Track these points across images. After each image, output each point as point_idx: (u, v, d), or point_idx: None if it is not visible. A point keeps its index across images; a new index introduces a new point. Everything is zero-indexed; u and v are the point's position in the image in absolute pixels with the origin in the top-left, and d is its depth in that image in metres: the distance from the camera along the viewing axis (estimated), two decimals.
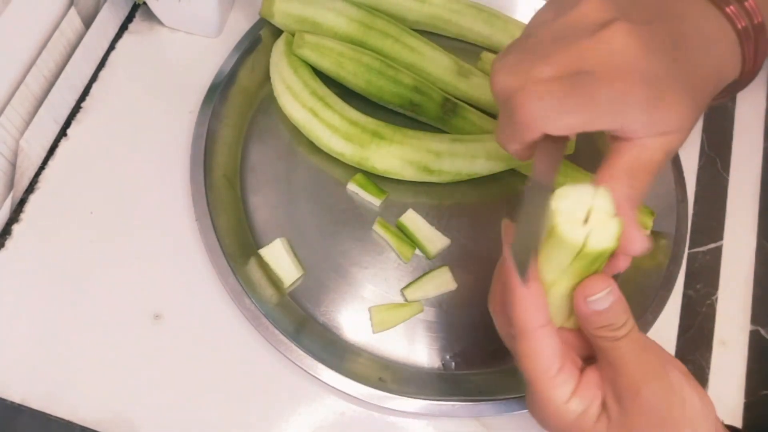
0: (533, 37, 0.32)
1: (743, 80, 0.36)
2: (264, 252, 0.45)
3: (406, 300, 0.45)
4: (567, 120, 0.30)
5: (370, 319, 0.44)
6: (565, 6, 0.32)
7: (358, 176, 0.47)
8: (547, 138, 0.31)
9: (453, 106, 0.48)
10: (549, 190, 0.29)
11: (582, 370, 0.32)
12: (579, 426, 0.31)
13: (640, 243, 0.31)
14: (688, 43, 0.32)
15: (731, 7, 0.34)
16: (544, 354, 0.30)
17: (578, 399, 0.31)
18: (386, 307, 0.44)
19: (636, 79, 0.30)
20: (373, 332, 0.43)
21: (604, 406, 0.31)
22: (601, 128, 0.31)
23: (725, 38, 0.34)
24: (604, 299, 0.30)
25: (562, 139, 0.32)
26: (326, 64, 0.48)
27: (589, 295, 0.30)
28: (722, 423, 0.33)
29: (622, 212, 0.30)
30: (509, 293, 0.31)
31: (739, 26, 0.34)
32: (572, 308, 0.31)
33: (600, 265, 0.30)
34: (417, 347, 0.44)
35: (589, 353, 0.33)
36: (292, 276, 0.44)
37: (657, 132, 0.31)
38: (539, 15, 0.34)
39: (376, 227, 0.46)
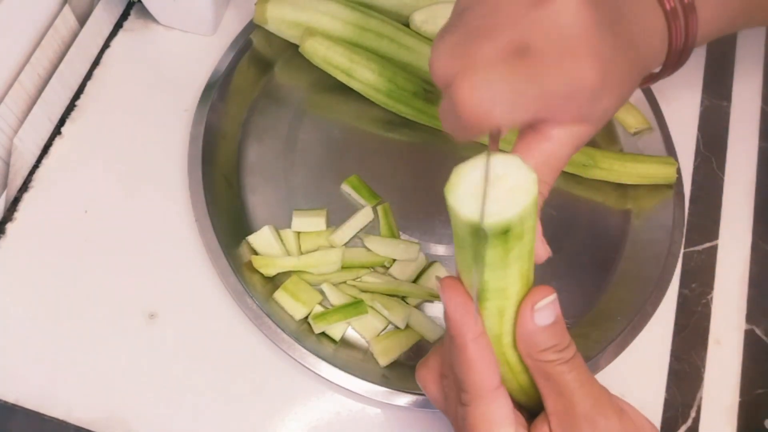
0: (470, 11, 0.28)
1: (669, 65, 0.34)
2: (252, 239, 0.44)
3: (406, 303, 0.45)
4: (518, 115, 0.27)
5: (376, 357, 0.43)
6: None
7: (353, 178, 0.47)
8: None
9: None
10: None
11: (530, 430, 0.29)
12: None
13: (540, 252, 0.28)
14: (624, 20, 0.29)
15: None
16: (497, 420, 0.27)
17: None
18: (385, 336, 0.43)
19: (590, 62, 0.27)
20: (381, 365, 0.42)
21: None
22: (546, 120, 0.28)
23: (653, 19, 0.31)
24: (550, 309, 0.27)
25: None
26: (337, 57, 0.47)
27: (537, 301, 0.26)
28: None
29: None
30: (459, 353, 0.27)
31: (668, 6, 0.31)
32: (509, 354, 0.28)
33: (529, 260, 0.26)
34: (420, 343, 0.44)
35: (532, 408, 0.30)
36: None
37: (583, 121, 0.28)
38: None
39: (345, 186, 0.47)
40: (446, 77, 0.27)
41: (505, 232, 0.23)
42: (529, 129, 0.29)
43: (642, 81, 0.33)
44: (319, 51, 0.47)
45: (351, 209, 0.47)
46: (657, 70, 0.34)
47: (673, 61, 0.33)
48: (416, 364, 0.42)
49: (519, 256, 0.25)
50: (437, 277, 0.29)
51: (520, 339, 0.27)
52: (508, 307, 0.27)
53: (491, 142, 0.27)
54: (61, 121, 0.49)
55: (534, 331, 0.27)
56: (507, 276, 0.26)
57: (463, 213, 0.23)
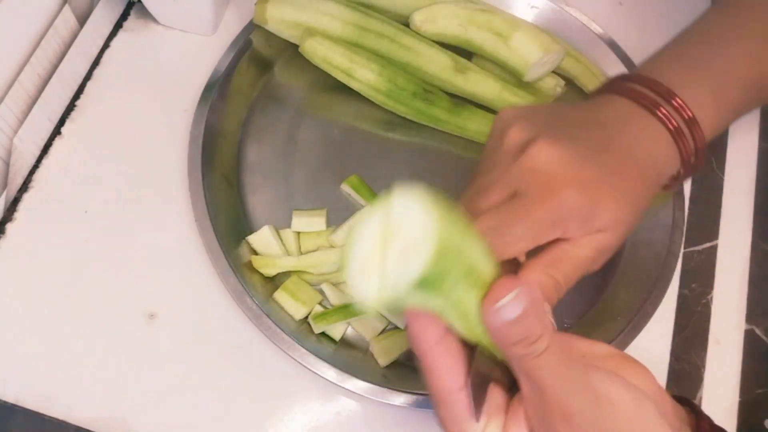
0: (480, 169, 0.35)
1: (687, 171, 0.37)
2: (252, 239, 0.44)
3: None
4: (515, 248, 0.32)
5: (376, 356, 0.43)
6: (500, 136, 0.35)
7: (353, 178, 0.47)
8: None
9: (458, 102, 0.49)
10: None
11: (506, 410, 0.28)
12: None
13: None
14: (615, 146, 0.34)
15: (661, 109, 0.35)
16: (465, 418, 0.27)
17: None
18: (385, 335, 0.43)
19: (568, 190, 0.32)
20: (381, 365, 0.42)
21: None
22: (548, 239, 0.32)
23: (657, 136, 0.35)
24: (514, 304, 0.25)
25: None
26: (337, 57, 0.47)
27: (497, 300, 0.25)
28: (672, 397, 0.30)
29: (530, 293, 0.26)
30: (421, 359, 0.27)
31: (671, 126, 0.35)
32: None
33: (473, 275, 0.24)
34: None
35: (511, 381, 0.30)
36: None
37: (592, 231, 0.33)
38: (485, 149, 0.36)
39: (345, 186, 0.47)
40: None
41: (418, 287, 0.21)
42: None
43: (665, 186, 0.37)
44: (318, 51, 0.47)
45: (351, 209, 0.47)
46: (675, 173, 0.37)
47: (688, 167, 0.37)
48: (416, 364, 0.43)
49: (455, 283, 0.23)
50: None
51: (490, 335, 0.26)
52: (470, 311, 0.25)
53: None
54: (61, 121, 0.49)
55: (499, 328, 0.25)
56: (451, 297, 0.24)
57: (362, 296, 0.21)
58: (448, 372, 0.27)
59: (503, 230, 0.31)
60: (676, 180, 0.38)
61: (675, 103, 0.36)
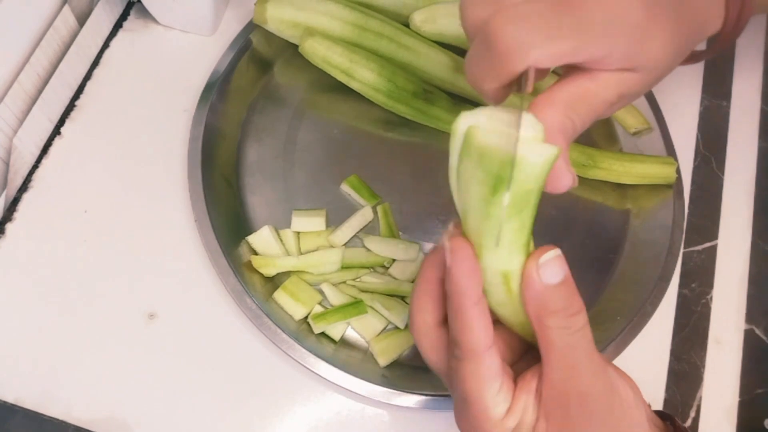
0: None
1: (723, 39, 0.35)
2: (252, 239, 0.44)
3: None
4: (556, 46, 0.26)
5: (375, 356, 0.42)
6: None
7: (352, 178, 0.47)
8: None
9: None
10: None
11: (515, 379, 0.29)
12: None
13: (567, 178, 0.27)
14: None
15: None
16: (489, 375, 0.28)
17: (512, 415, 0.28)
18: (384, 335, 0.43)
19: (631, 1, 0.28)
20: (381, 365, 0.42)
21: (543, 413, 0.28)
22: (589, 57, 0.28)
23: None
24: (556, 266, 0.27)
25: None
26: (336, 57, 0.47)
27: (540, 256, 0.26)
28: (649, 406, 0.32)
29: (552, 141, 0.26)
30: (458, 315, 0.28)
31: None
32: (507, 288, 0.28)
33: (532, 213, 0.26)
34: None
35: (513, 356, 0.31)
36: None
37: (630, 65, 0.29)
38: None
39: (344, 186, 0.47)
40: (479, 19, 0.28)
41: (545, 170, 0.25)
42: (575, 69, 0.29)
43: (692, 56, 0.34)
44: (318, 51, 0.47)
45: (351, 209, 0.47)
46: (707, 42, 0.35)
47: (727, 34, 0.34)
48: (416, 364, 0.43)
49: (528, 213, 0.26)
50: (447, 233, 0.28)
51: (528, 300, 0.27)
52: (514, 271, 0.27)
53: (525, 84, 0.27)
54: (61, 121, 0.49)
55: (542, 291, 0.27)
56: (521, 226, 0.26)
57: (531, 159, 0.24)
58: (482, 329, 0.28)
59: (551, 21, 0.27)
60: (706, 52, 0.36)
61: None
